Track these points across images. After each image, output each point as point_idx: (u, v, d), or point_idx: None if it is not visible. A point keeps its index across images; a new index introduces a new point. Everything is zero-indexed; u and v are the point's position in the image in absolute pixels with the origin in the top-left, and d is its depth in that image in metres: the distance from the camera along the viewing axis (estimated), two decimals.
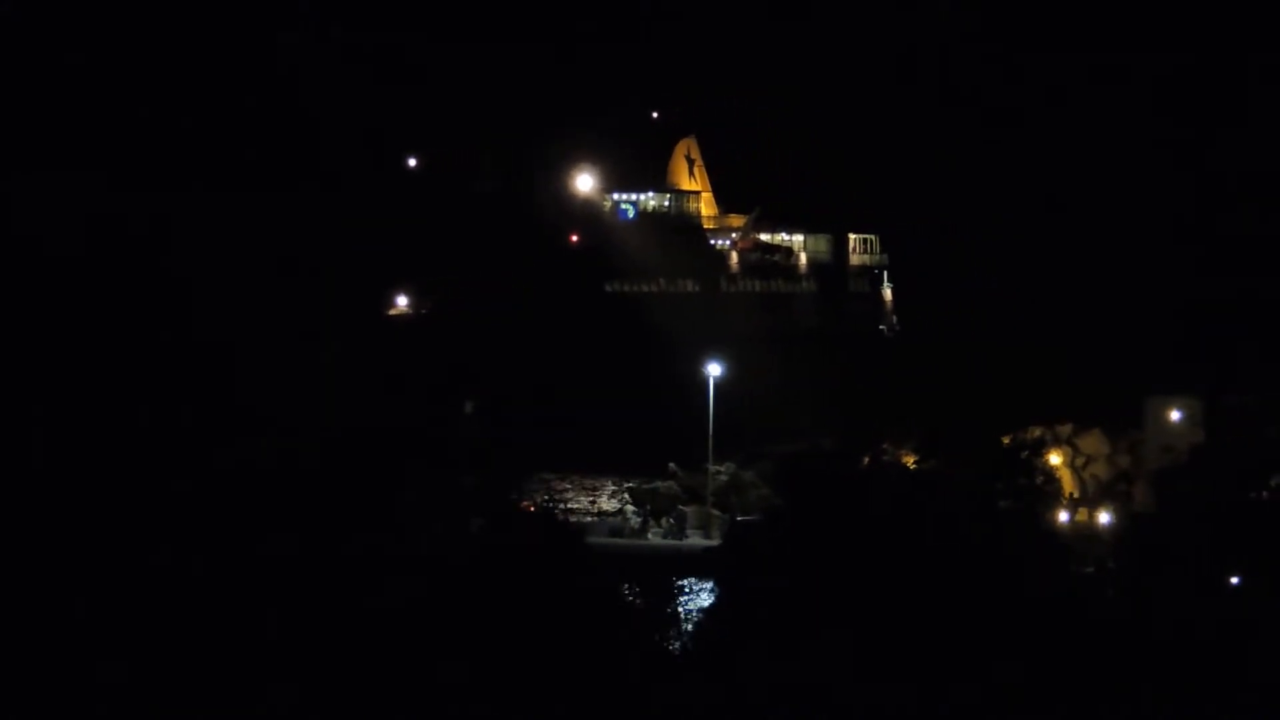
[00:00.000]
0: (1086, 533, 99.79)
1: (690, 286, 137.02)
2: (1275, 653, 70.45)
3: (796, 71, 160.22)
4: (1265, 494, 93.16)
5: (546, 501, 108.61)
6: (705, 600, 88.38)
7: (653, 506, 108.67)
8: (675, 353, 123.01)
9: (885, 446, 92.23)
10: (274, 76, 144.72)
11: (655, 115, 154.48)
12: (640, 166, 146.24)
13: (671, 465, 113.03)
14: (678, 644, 79.34)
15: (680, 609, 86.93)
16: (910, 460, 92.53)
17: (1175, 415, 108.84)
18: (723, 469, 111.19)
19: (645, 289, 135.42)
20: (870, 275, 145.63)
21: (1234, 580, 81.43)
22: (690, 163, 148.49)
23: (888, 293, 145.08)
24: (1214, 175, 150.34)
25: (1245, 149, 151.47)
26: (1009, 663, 67.80)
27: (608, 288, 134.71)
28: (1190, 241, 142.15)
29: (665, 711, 65.19)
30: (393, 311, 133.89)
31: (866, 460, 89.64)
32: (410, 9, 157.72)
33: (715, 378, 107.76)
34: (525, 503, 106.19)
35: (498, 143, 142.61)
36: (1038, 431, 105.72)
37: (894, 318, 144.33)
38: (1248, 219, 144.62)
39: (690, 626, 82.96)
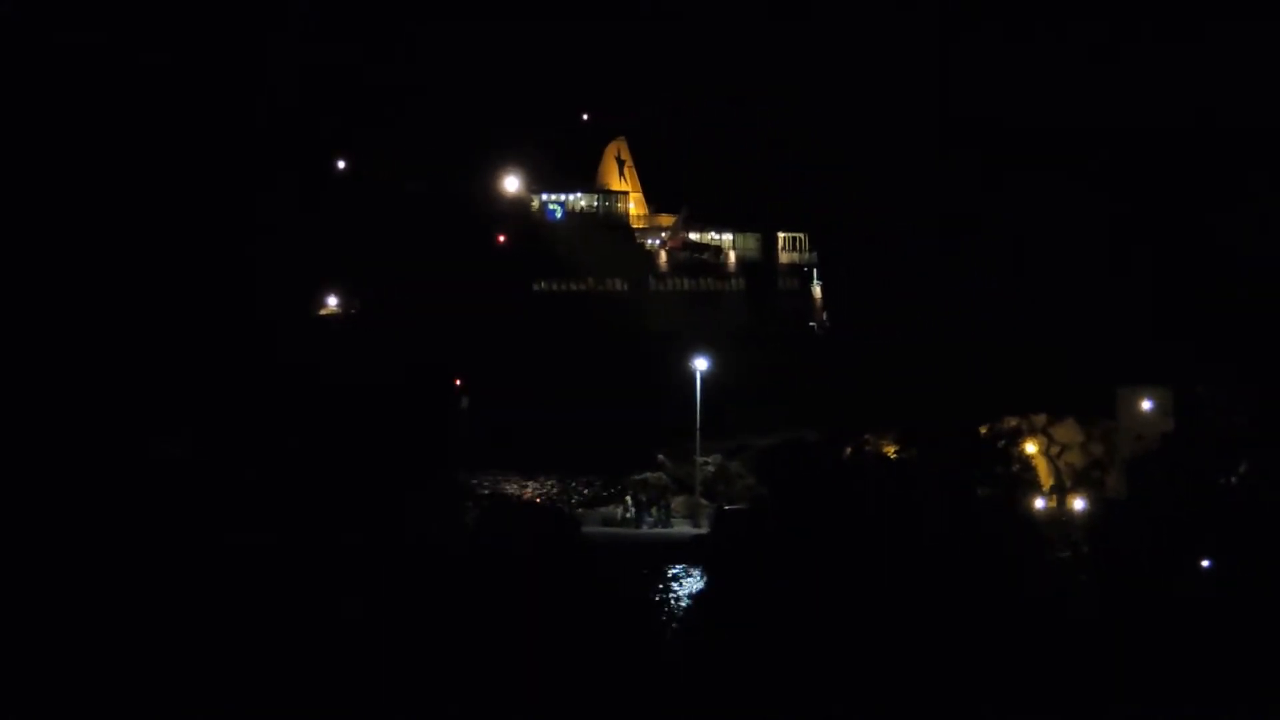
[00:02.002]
0: (1061, 519, 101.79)
1: (619, 285, 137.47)
2: (1243, 632, 73.06)
3: (726, 71, 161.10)
4: (1233, 480, 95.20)
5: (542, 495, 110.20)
6: (694, 584, 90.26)
7: (644, 496, 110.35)
8: (626, 351, 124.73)
9: (867, 437, 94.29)
10: (201, 76, 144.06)
11: (585, 117, 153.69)
12: (570, 167, 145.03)
13: (660, 456, 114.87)
14: (669, 628, 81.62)
15: (670, 594, 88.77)
16: (891, 450, 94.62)
17: (1147, 405, 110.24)
18: (710, 460, 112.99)
19: (573, 288, 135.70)
20: (800, 273, 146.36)
21: (1204, 563, 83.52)
22: (621, 163, 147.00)
23: (817, 290, 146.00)
24: (1181, 169, 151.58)
25: (1214, 140, 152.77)
26: (989, 642, 70.34)
27: (536, 287, 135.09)
28: (1157, 234, 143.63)
29: (657, 694, 67.21)
30: (323, 312, 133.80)
31: (849, 451, 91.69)
32: (335, 6, 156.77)
33: (702, 372, 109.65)
34: (527, 494, 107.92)
35: (427, 143, 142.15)
36: (1014, 422, 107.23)
37: (824, 315, 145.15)
38: (1217, 211, 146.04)
39: (680, 609, 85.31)
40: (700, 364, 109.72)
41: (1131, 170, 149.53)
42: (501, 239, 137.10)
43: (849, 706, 65.27)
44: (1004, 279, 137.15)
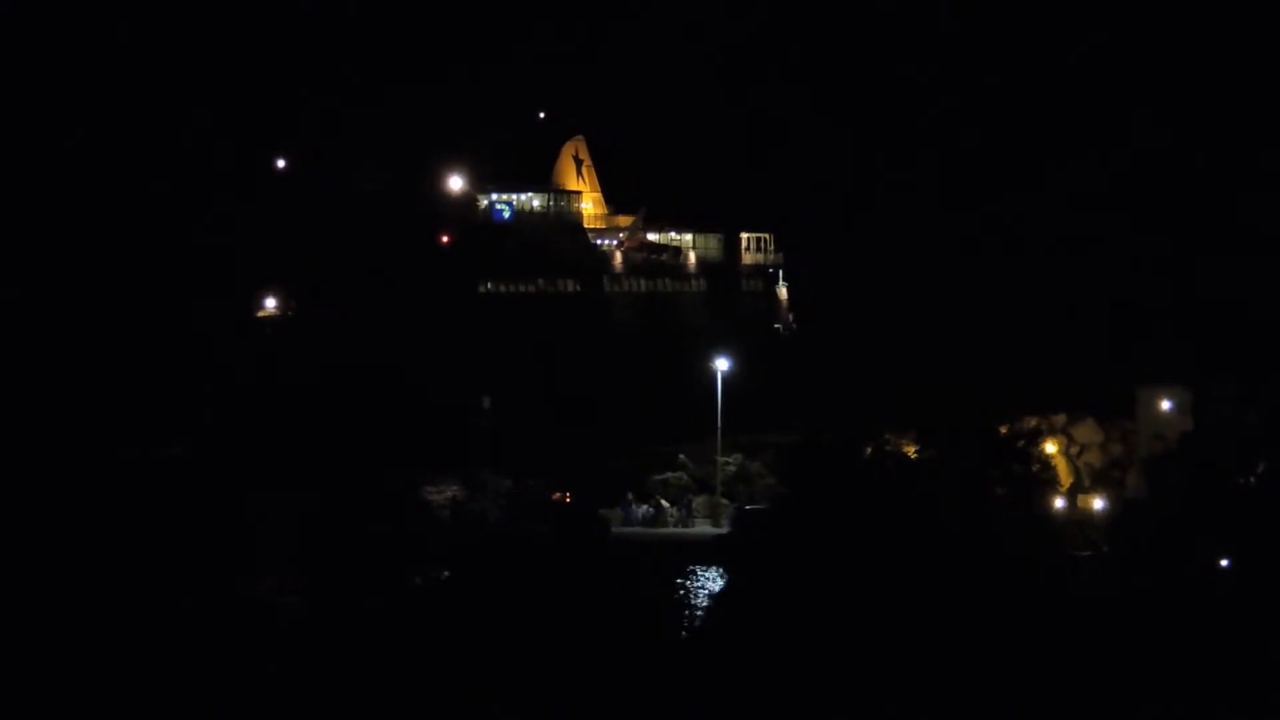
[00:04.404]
0: (1081, 518, 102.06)
1: (571, 287, 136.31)
2: (1263, 631, 73.24)
3: (689, 70, 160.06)
4: (1252, 479, 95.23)
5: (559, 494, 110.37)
6: (715, 583, 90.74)
7: (664, 496, 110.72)
8: (595, 352, 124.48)
9: (887, 437, 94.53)
10: (142, 71, 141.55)
11: (541, 115, 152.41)
12: (524, 166, 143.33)
13: (681, 456, 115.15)
14: (689, 627, 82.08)
15: (690, 593, 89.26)
16: (911, 450, 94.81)
17: (1165, 404, 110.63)
18: (731, 459, 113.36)
19: (522, 289, 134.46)
20: (765, 274, 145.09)
21: (1223, 563, 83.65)
22: (579, 163, 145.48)
23: (783, 291, 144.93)
24: (1188, 161, 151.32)
25: (1225, 133, 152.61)
26: (1010, 642, 70.64)
27: (482, 288, 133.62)
28: (1172, 231, 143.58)
29: (678, 693, 67.64)
30: (261, 314, 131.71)
31: (869, 450, 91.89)
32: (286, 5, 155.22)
33: (723, 373, 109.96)
34: (556, 494, 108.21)
35: (372, 141, 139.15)
36: (1033, 421, 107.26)
37: (790, 316, 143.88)
38: (1231, 207, 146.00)
39: (700, 607, 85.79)
40: (721, 364, 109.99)
41: (1143, 167, 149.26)
42: (444, 239, 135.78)
43: (869, 706, 65.59)
44: (1013, 277, 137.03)
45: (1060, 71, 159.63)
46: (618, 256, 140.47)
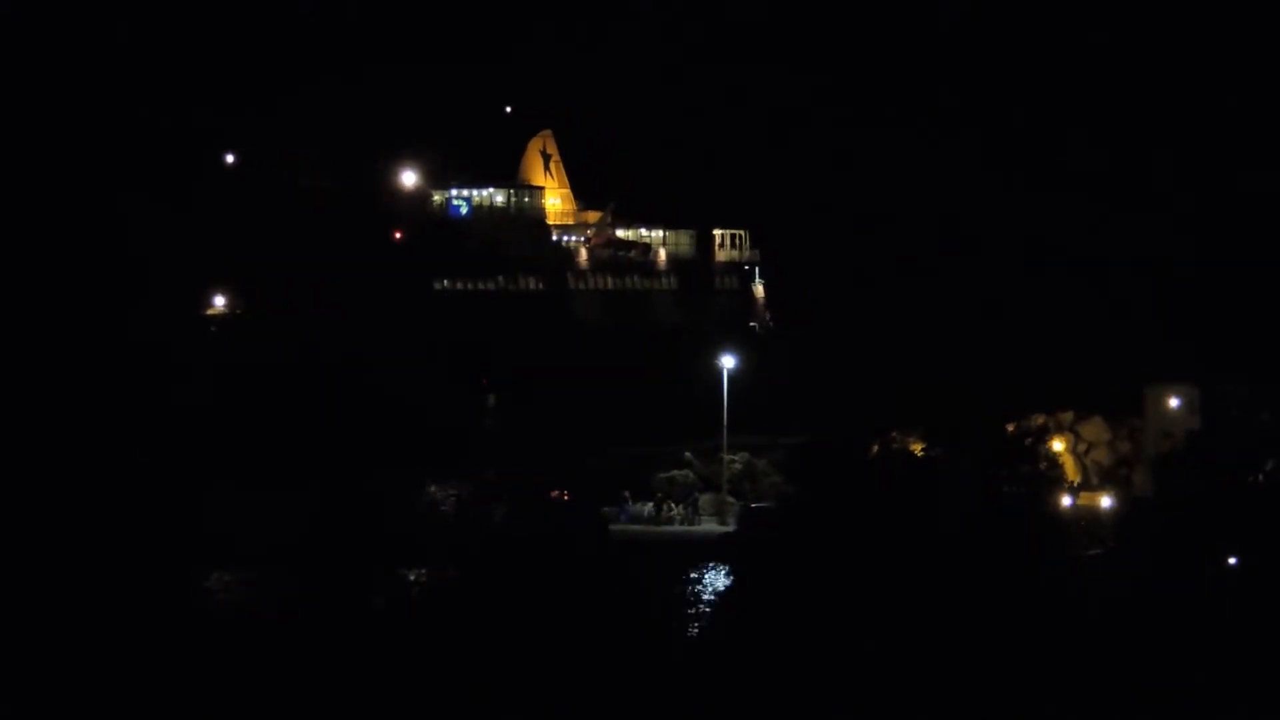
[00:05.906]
0: (1089, 516, 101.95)
1: (532, 284, 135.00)
2: (1270, 629, 73.27)
3: (663, 63, 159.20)
4: (1260, 478, 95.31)
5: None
6: (720, 581, 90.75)
7: (669, 494, 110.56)
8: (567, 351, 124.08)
9: (894, 435, 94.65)
10: (90, 65, 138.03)
11: (509, 110, 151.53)
12: (490, 161, 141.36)
13: (687, 454, 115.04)
14: (696, 625, 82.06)
15: (698, 590, 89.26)
16: (918, 448, 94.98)
17: (1173, 402, 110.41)
18: (737, 458, 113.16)
19: (481, 287, 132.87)
20: (740, 272, 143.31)
21: (1231, 561, 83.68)
22: (546, 158, 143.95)
23: (759, 289, 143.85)
24: (1204, 155, 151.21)
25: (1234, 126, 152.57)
26: (1018, 640, 70.69)
27: (437, 285, 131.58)
28: (1182, 228, 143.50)
29: (684, 691, 67.64)
30: (209, 312, 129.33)
31: (876, 449, 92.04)
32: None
33: (729, 370, 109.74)
34: (555, 493, 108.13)
35: (328, 135, 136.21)
36: (1041, 419, 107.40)
37: (767, 315, 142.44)
38: (1241, 201, 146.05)
39: (707, 601, 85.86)
40: (728, 362, 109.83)
41: (1149, 164, 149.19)
42: (397, 235, 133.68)
43: (876, 704, 65.59)
44: (1018, 276, 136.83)
45: (1060, 70, 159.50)
46: (583, 253, 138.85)
